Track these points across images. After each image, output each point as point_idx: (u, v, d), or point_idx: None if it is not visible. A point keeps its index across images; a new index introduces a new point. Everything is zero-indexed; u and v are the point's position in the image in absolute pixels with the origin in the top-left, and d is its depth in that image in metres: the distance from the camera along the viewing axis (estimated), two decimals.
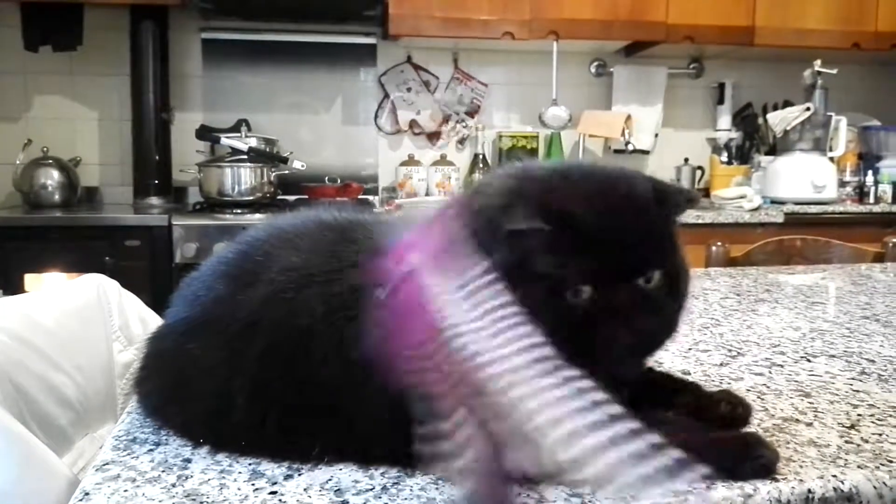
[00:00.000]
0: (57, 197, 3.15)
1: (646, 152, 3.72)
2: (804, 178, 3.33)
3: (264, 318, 0.68)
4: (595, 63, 3.78)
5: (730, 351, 1.03)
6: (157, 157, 3.24)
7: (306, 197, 3.34)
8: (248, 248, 0.77)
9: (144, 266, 2.79)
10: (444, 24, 3.23)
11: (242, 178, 3.09)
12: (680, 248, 0.63)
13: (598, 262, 0.58)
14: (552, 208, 0.58)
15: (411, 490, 0.61)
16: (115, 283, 1.13)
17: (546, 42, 3.35)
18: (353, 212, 0.81)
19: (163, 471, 0.65)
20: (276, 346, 0.67)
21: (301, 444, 0.66)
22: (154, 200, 3.22)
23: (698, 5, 3.33)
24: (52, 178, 3.16)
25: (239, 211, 3.02)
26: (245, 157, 3.10)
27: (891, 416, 0.77)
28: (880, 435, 0.71)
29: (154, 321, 1.13)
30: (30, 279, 2.75)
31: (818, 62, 3.41)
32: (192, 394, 0.71)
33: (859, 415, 0.77)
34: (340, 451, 0.66)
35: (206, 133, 3.19)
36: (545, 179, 0.62)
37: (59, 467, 0.79)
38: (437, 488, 0.61)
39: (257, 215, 2.97)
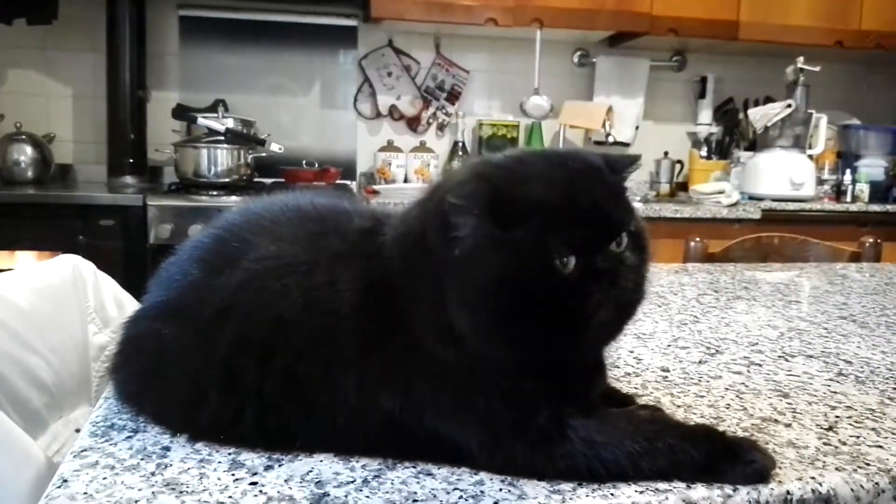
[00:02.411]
0: (30, 174, 3.10)
1: (626, 145, 3.73)
2: (783, 174, 3.35)
3: (236, 306, 0.67)
4: (578, 53, 3.77)
5: (708, 348, 1.03)
6: (132, 136, 3.19)
7: (283, 180, 3.31)
8: (224, 233, 0.76)
9: (118, 246, 2.75)
10: (426, 9, 3.21)
11: (219, 160, 3.06)
12: (634, 208, 0.66)
13: (577, 233, 0.59)
14: (526, 196, 0.60)
15: (392, 483, 0.60)
16: (90, 265, 1.11)
17: (529, 30, 3.34)
18: (331, 199, 0.80)
19: (141, 458, 0.64)
20: (247, 335, 0.66)
21: (279, 439, 0.65)
22: (129, 180, 3.17)
23: None
24: (25, 154, 3.10)
25: (215, 193, 2.98)
26: (222, 138, 3.06)
27: (868, 418, 0.78)
28: (857, 437, 0.72)
29: (130, 303, 1.12)
30: (1, 256, 2.70)
31: (801, 59, 3.43)
32: (166, 382, 0.70)
33: (837, 416, 0.78)
34: (317, 445, 0.65)
35: (182, 112, 3.14)
36: (515, 168, 0.63)
37: (34, 451, 0.78)
38: (418, 481, 0.61)
39: (233, 197, 2.94)
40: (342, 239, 0.69)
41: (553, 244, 0.59)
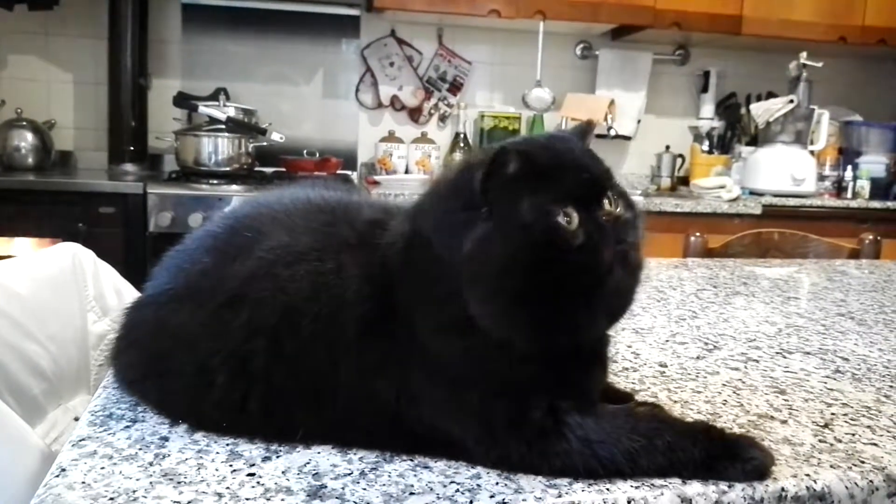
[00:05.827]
0: (30, 160, 3.09)
1: (627, 138, 3.72)
2: (784, 170, 3.35)
3: (250, 293, 0.67)
4: (580, 45, 3.76)
5: (706, 344, 1.03)
6: (133, 124, 3.18)
7: (284, 170, 3.31)
8: (236, 223, 0.76)
9: (118, 233, 2.75)
10: None
11: (220, 148, 3.06)
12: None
13: (570, 188, 0.61)
14: (521, 156, 0.60)
15: (389, 476, 0.61)
16: (90, 253, 1.12)
17: (532, 22, 3.33)
18: (341, 192, 0.81)
19: (140, 448, 0.64)
20: (259, 321, 0.66)
21: (282, 426, 0.66)
22: (129, 167, 3.17)
23: None
24: (25, 140, 3.09)
25: (215, 181, 2.98)
26: (223, 126, 3.05)
27: (864, 416, 0.78)
28: (853, 435, 0.72)
29: (129, 292, 1.12)
30: (0, 242, 2.70)
31: (804, 54, 3.42)
32: (170, 368, 0.70)
33: (833, 414, 0.78)
34: (321, 434, 0.66)
35: (183, 101, 3.13)
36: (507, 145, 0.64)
37: (33, 440, 0.79)
38: (415, 474, 0.61)
39: (234, 186, 2.94)
40: (351, 228, 0.71)
41: (550, 201, 0.59)
